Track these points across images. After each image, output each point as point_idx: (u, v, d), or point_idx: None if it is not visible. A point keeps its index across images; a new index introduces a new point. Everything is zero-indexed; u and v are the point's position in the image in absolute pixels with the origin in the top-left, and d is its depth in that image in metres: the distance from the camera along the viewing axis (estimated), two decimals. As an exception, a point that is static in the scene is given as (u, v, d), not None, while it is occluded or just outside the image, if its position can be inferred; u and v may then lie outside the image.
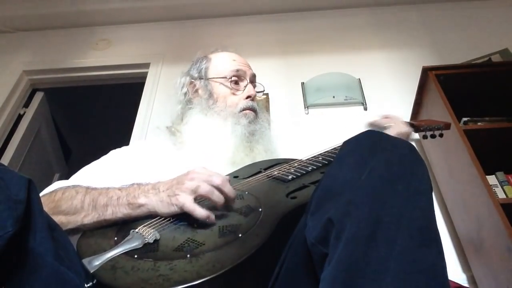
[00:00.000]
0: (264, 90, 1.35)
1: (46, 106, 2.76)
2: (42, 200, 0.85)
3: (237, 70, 1.24)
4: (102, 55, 2.53)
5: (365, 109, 2.10)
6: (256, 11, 2.61)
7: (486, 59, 2.02)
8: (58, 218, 0.81)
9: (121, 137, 2.07)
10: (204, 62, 1.29)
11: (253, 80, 1.28)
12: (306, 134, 2.01)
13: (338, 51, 2.39)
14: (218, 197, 0.77)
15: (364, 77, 2.21)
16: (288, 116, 2.12)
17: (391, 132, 1.09)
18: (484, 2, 2.51)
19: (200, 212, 0.74)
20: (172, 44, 2.55)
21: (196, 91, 1.25)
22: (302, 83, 2.23)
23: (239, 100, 1.20)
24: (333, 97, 2.14)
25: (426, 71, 1.77)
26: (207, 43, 2.45)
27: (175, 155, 1.11)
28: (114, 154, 1.14)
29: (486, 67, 1.84)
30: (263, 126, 1.21)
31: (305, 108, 2.14)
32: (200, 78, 1.26)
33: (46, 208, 0.81)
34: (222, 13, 2.62)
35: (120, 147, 1.19)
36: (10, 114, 2.38)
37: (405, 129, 1.13)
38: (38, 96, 2.64)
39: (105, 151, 1.16)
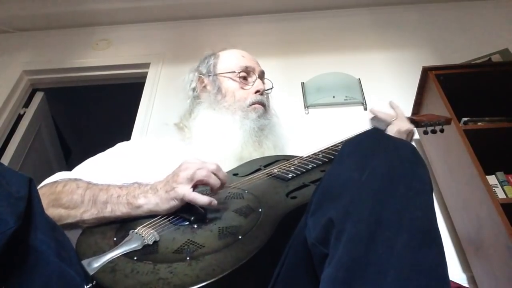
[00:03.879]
0: (273, 87, 1.32)
1: (46, 106, 2.76)
2: (44, 189, 0.86)
3: (246, 67, 1.23)
4: (102, 55, 2.52)
5: (365, 109, 2.10)
6: (256, 11, 2.60)
7: (486, 59, 2.02)
8: (58, 211, 0.81)
9: (121, 137, 2.05)
10: (212, 58, 1.28)
11: (262, 77, 1.27)
12: (306, 134, 2.00)
13: (338, 51, 2.38)
14: (215, 180, 0.80)
15: (364, 77, 2.20)
16: (288, 116, 2.11)
17: (394, 128, 1.07)
18: (484, 2, 2.50)
19: (201, 199, 0.75)
20: (172, 44, 2.54)
21: (205, 86, 1.24)
22: (302, 83, 2.23)
23: (248, 94, 1.19)
24: (333, 97, 2.14)
25: (426, 71, 1.77)
26: (207, 43, 2.45)
27: (184, 150, 1.10)
28: (121, 148, 1.13)
29: (486, 67, 1.83)
30: (272, 121, 1.20)
31: (305, 108, 2.14)
32: (209, 74, 1.24)
33: (46, 199, 0.82)
34: (222, 13, 2.61)
35: (121, 146, 1.18)
36: (10, 114, 2.38)
37: (407, 126, 1.09)
38: (38, 96, 2.63)
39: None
